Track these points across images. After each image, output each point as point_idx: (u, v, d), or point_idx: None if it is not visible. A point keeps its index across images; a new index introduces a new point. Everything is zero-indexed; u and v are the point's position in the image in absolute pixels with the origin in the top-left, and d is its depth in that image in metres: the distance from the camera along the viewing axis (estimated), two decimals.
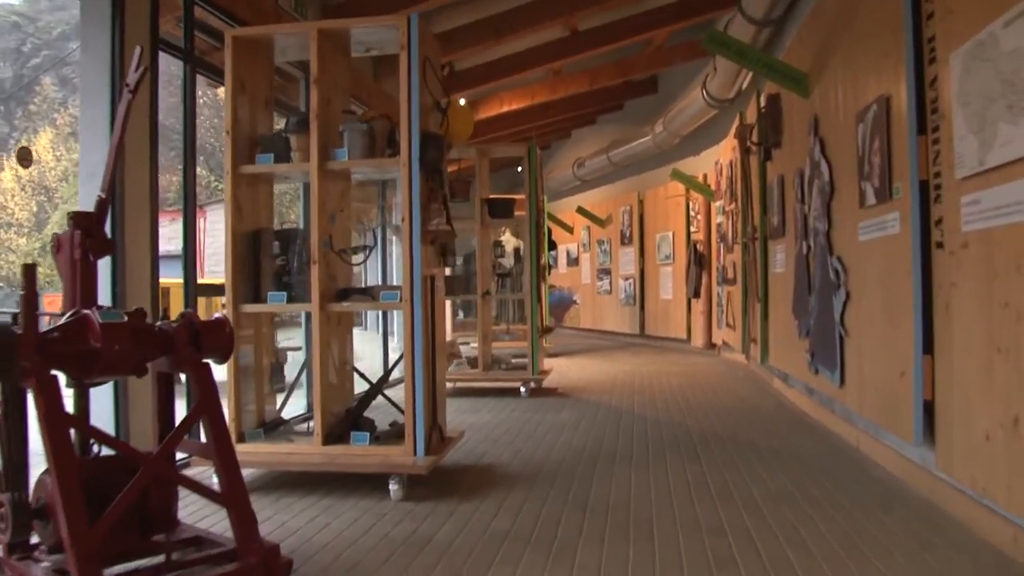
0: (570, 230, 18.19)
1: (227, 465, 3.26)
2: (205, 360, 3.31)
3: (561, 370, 10.88)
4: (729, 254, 10.47)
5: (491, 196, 8.90)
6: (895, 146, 4.26)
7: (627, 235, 15.37)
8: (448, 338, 10.66)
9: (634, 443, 5.88)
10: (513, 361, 9.00)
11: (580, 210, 16.75)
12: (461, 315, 14.12)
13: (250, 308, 4.86)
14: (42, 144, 38.57)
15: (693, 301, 12.98)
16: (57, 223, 32.47)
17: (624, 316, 15.64)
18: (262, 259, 4.97)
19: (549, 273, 13.37)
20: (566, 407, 7.66)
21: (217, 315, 3.62)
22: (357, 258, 5.38)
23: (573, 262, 18.32)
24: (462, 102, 12.37)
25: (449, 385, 9.01)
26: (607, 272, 16.35)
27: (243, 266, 4.91)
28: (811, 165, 6.02)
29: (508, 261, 9.67)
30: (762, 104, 7.98)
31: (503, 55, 10.85)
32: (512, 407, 7.75)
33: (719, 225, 11.67)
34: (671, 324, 13.87)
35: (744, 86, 10.01)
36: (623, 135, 14.91)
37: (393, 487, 4.45)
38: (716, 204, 11.83)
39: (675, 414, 7.09)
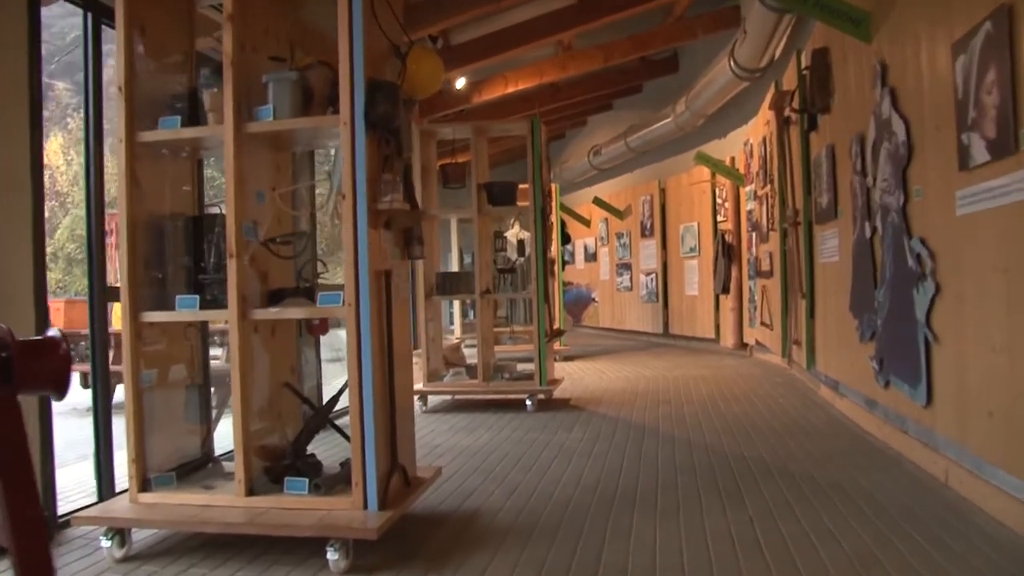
0: (587, 223, 16.96)
1: (28, 563, 2.07)
2: (16, 395, 2.13)
3: (576, 376, 9.66)
4: (763, 244, 9.21)
5: (490, 181, 7.69)
6: None
7: (648, 227, 14.11)
8: (452, 340, 9.49)
9: (659, 476, 4.65)
10: (519, 369, 7.80)
11: (597, 201, 15.50)
12: (472, 315, 12.96)
13: (153, 316, 3.68)
14: (52, 149, 37.78)
15: (722, 297, 11.71)
16: (68, 227, 31.68)
17: (646, 314, 14.38)
18: (174, 254, 3.81)
19: (563, 269, 12.13)
20: (578, 424, 6.44)
21: (51, 332, 2.45)
22: (305, 250, 4.21)
23: (591, 257, 17.07)
24: (461, 83, 11.24)
25: (446, 398, 7.82)
26: (627, 267, 15.10)
27: (147, 263, 3.75)
28: (876, 125, 4.78)
29: (513, 255, 8.42)
30: (804, 65, 6.73)
31: (505, 25, 9.64)
32: (515, 425, 6.54)
33: (750, 212, 10.40)
34: (697, 323, 12.61)
35: (778, 53, 8.75)
36: (642, 119, 13.65)
37: (333, 556, 3.24)
38: (746, 189, 10.57)
39: (708, 433, 5.86)
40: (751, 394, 7.60)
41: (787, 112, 7.22)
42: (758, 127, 9.54)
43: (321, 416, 3.89)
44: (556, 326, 11.93)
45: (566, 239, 13.04)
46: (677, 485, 4.46)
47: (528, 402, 7.18)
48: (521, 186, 7.77)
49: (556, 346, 11.47)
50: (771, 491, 4.23)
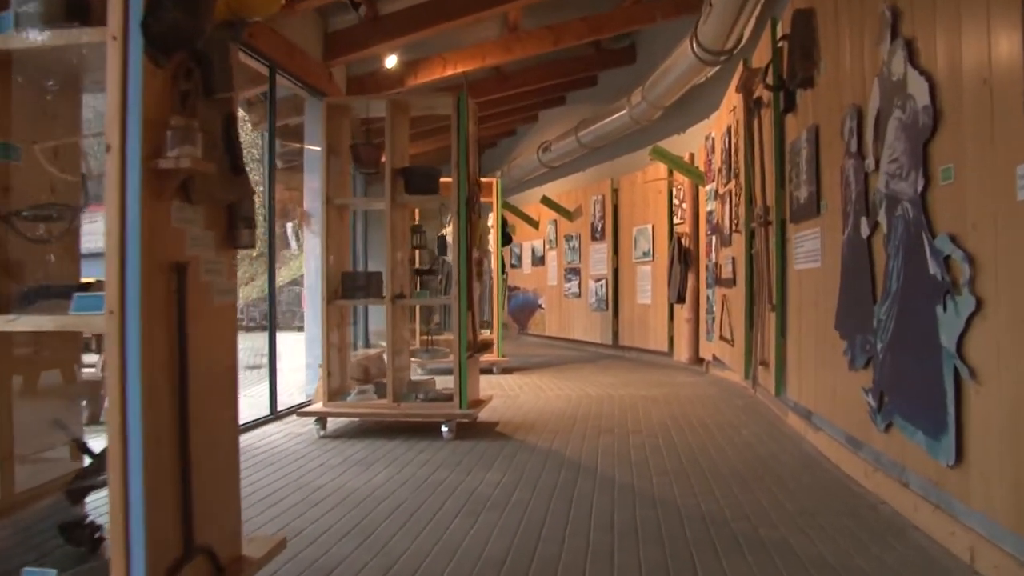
0: (535, 224, 15.80)
1: None
2: None
3: (511, 393, 8.47)
4: (725, 248, 8.11)
5: (409, 166, 6.50)
6: None
7: (599, 229, 12.99)
8: (363, 351, 8.24)
9: (590, 542, 3.48)
10: (440, 388, 6.60)
11: (545, 200, 14.33)
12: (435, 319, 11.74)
13: None
14: None
15: (676, 307, 10.62)
16: None
17: (595, 323, 13.24)
18: None
19: (504, 272, 10.95)
20: (500, 459, 5.26)
21: None
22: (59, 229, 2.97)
23: (538, 261, 15.91)
24: (391, 61, 10.01)
25: (353, 420, 6.58)
26: (575, 272, 13.96)
27: None
28: (883, 91, 3.66)
29: (430, 254, 7.18)
30: (780, 34, 5.64)
31: None
32: (424, 458, 5.34)
33: (710, 214, 9.32)
34: (650, 334, 11.50)
35: (747, 33, 7.67)
36: (595, 113, 12.52)
37: None
38: (706, 188, 9.48)
39: (657, 476, 4.71)
40: (709, 422, 6.47)
41: (758, 92, 6.12)
42: (721, 118, 8.46)
43: (98, 467, 2.66)
44: (483, 337, 10.78)
45: (507, 239, 11.87)
46: (612, 557, 3.29)
47: (444, 428, 5.98)
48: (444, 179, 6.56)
49: (493, 356, 10.30)
50: (736, 570, 3.08)
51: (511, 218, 16.39)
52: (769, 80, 5.66)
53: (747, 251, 6.80)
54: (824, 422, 5.04)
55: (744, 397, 7.74)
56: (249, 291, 30.32)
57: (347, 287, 6.37)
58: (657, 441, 5.74)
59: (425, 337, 9.21)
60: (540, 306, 15.74)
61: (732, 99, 7.43)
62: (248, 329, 22.71)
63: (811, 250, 5.01)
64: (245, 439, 6.01)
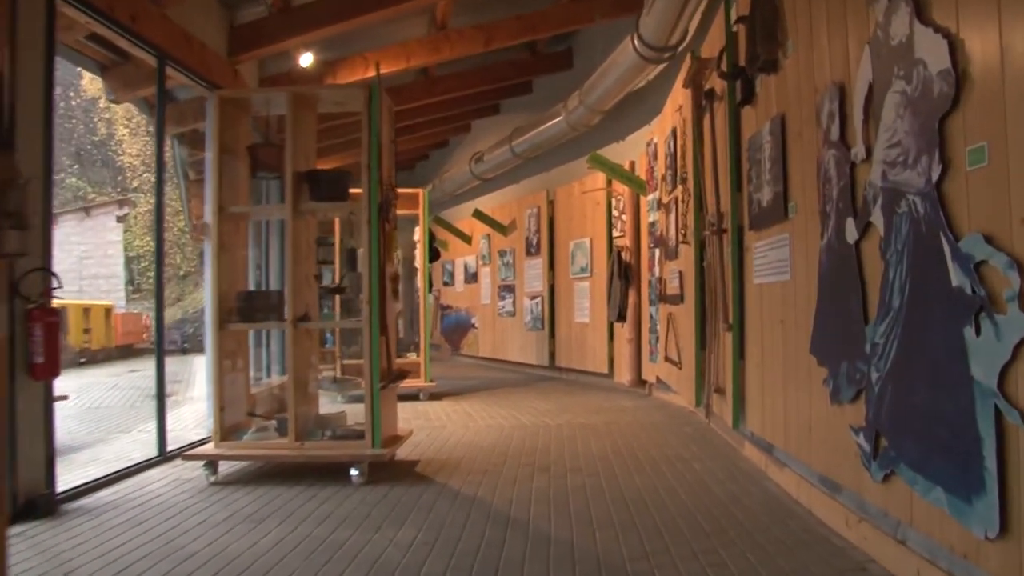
0: (468, 240, 15.01)
1: None
2: None
3: (437, 423, 7.63)
4: (670, 262, 7.41)
5: (313, 169, 5.66)
6: None
7: (534, 243, 12.23)
8: (278, 380, 7.32)
9: None
10: (351, 424, 5.74)
11: (477, 214, 13.54)
12: (330, 342, 10.80)
13: None
14: None
15: (617, 326, 9.90)
16: None
17: (530, 344, 12.47)
18: None
19: (429, 289, 10.13)
20: (417, 510, 4.42)
21: None
22: None
23: (471, 278, 15.10)
24: (307, 59, 9.15)
25: (247, 465, 5.65)
26: (510, 289, 13.17)
27: None
28: (878, 61, 2.95)
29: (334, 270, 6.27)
30: (734, 19, 4.95)
31: None
32: (326, 510, 4.46)
33: (653, 225, 8.63)
34: (588, 355, 10.75)
35: (692, 27, 7.01)
36: (530, 121, 11.78)
37: None
38: (648, 198, 8.80)
39: (601, 530, 3.92)
40: (656, 455, 5.72)
41: (709, 84, 5.43)
42: (665, 120, 7.78)
43: None
44: (408, 361, 9.93)
45: (435, 255, 11.04)
46: None
47: (354, 472, 5.12)
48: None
49: (421, 381, 9.45)
50: None
51: (443, 234, 15.60)
52: (724, 68, 4.96)
53: (697, 264, 6.10)
54: (792, 459, 4.31)
55: (692, 423, 7.02)
56: (175, 312, 29.01)
57: (243, 309, 5.49)
58: (599, 481, 4.96)
59: (331, 368, 8.25)
60: (473, 325, 14.93)
61: (678, 97, 6.74)
62: (169, 352, 21.48)
63: (776, 261, 4.29)
64: (120, 488, 5.08)
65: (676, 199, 6.91)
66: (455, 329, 15.99)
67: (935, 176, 2.53)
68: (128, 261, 31.23)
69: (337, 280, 5.78)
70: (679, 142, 6.70)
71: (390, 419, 5.72)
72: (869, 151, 3.06)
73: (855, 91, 3.16)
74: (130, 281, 31.75)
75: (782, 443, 4.34)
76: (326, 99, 5.84)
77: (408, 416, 8.05)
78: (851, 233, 3.22)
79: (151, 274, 32.19)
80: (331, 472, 5.29)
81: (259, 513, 4.42)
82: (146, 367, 16.51)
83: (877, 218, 2.97)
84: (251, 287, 6.46)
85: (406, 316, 16.18)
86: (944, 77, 2.47)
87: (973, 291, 2.32)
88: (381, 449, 5.26)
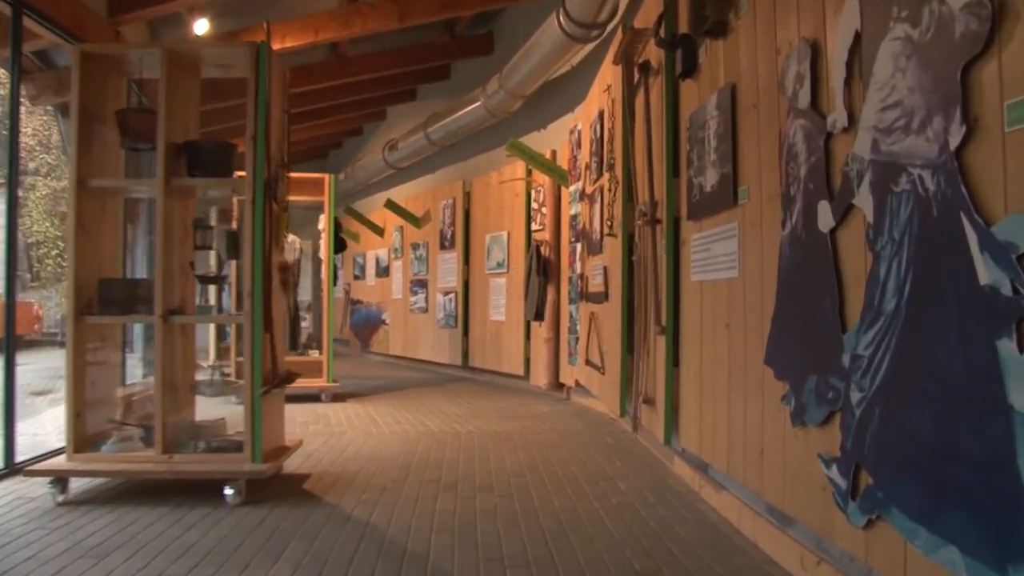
0: (380, 232, 14.21)
1: None
2: None
3: (336, 429, 6.86)
4: (593, 256, 6.79)
5: (192, 140, 4.86)
6: None
7: (448, 236, 11.52)
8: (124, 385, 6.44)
9: None
10: (232, 434, 4.96)
11: (389, 204, 12.75)
12: (228, 336, 9.90)
13: None
14: None
15: (534, 325, 9.28)
16: None
17: (443, 342, 11.75)
18: None
19: (334, 283, 9.33)
20: (297, 539, 3.68)
21: None
22: None
23: (383, 272, 14.29)
24: (202, 26, 8.23)
25: (106, 482, 4.81)
26: (422, 284, 12.43)
27: None
28: (868, 6, 2.35)
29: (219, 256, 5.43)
30: None
31: None
32: (189, 540, 3.68)
33: (574, 218, 8.01)
34: (504, 355, 10.09)
35: (623, 2, 6.41)
36: (447, 107, 11.06)
37: None
38: (570, 189, 8.18)
39: (518, 571, 3.26)
40: (576, 470, 5.08)
41: (644, 56, 4.81)
42: (591, 104, 7.16)
43: None
44: (308, 359, 9.13)
45: (342, 246, 10.24)
46: None
47: (228, 491, 4.35)
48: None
49: (323, 382, 8.67)
50: None
51: (355, 225, 14.78)
52: (663, 35, 4.34)
53: (624, 259, 5.49)
54: (733, 483, 3.72)
55: (614, 432, 6.42)
56: (59, 299, 27.45)
57: (104, 300, 4.66)
58: (512, 504, 4.30)
59: (213, 365, 7.33)
60: (384, 322, 14.14)
61: (607, 76, 6.13)
62: (56, 344, 20.09)
63: (722, 255, 3.68)
64: None
65: (602, 188, 6.30)
66: (365, 325, 15.17)
67: (954, 142, 1.93)
68: (27, 248, 29.49)
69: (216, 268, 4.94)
70: (606, 125, 6.08)
71: (276, 428, 4.96)
72: (852, 117, 2.46)
73: (835, 45, 2.55)
74: (28, 268, 30.00)
75: (723, 465, 3.74)
76: (208, 59, 5.01)
77: (305, 420, 7.27)
78: (825, 220, 2.62)
79: (50, 261, 30.53)
80: (204, 490, 4.50)
81: (106, 545, 3.62)
82: (33, 360, 15.27)
83: (864, 200, 2.37)
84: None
85: (314, 310, 15.28)
86: (973, 11, 1.87)
87: (1015, 291, 1.72)
88: (262, 464, 4.49)
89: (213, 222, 5.18)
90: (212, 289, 9.34)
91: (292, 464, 5.29)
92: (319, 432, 6.65)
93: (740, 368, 3.45)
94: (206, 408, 5.97)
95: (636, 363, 5.09)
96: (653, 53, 4.75)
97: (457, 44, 11.03)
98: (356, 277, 15.78)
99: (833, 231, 2.58)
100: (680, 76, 4.21)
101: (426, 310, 12.26)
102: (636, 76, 5.02)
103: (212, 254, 5.02)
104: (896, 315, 2.19)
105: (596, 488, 4.62)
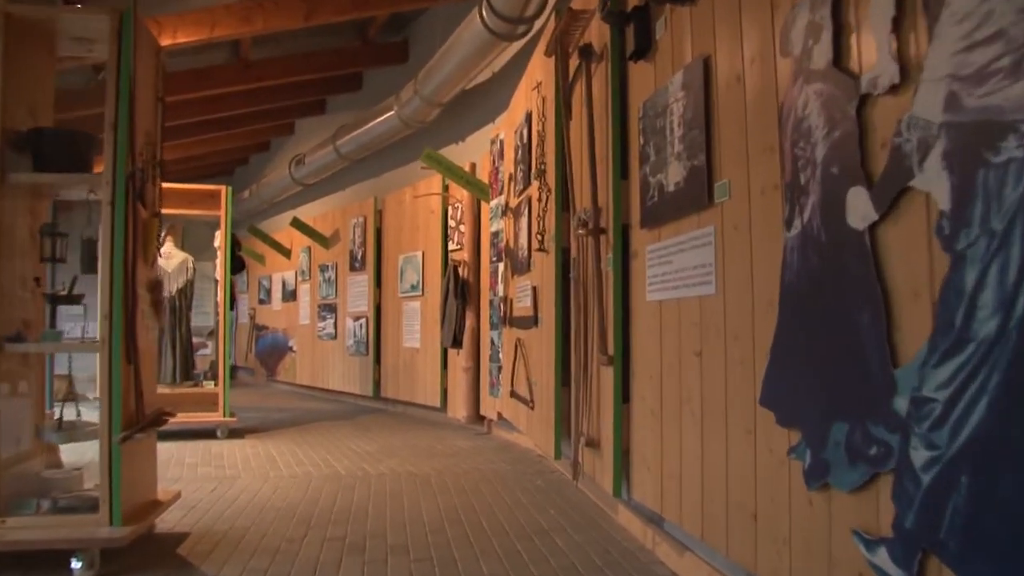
0: (287, 254, 13.24)
1: None
2: None
3: (229, 472, 5.91)
4: (519, 276, 6.04)
5: (40, 127, 3.95)
6: None
7: (359, 257, 10.64)
8: None
9: None
10: (88, 488, 4.02)
11: (296, 223, 11.82)
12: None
13: None
14: None
15: (451, 352, 8.48)
16: None
17: (353, 371, 10.83)
18: None
19: (231, 307, 8.37)
20: None
21: None
22: None
23: (290, 296, 13.29)
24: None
25: None
26: (331, 309, 11.50)
27: None
28: None
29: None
30: None
31: None
32: None
33: (496, 236, 7.28)
34: (419, 385, 9.24)
35: None
36: (358, 118, 10.22)
37: None
38: (492, 204, 7.45)
39: None
40: (506, 523, 4.30)
41: (586, 39, 4.11)
42: (516, 110, 6.45)
43: None
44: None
45: (239, 265, 9.27)
46: None
47: (76, 565, 3.43)
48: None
49: (218, 416, 7.70)
50: None
51: (260, 247, 13.78)
52: (609, 7, 3.64)
53: (558, 277, 4.76)
54: (707, 549, 3.00)
55: (544, 473, 5.66)
56: None
57: None
58: (431, 571, 3.50)
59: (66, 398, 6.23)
60: (291, 349, 13.14)
61: (535, 73, 5.42)
62: None
63: (690, 268, 2.97)
64: None
65: (529, 199, 5.57)
66: (271, 352, 14.12)
67: None
68: None
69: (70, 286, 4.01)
70: (535, 128, 5.37)
71: (145, 479, 4.05)
72: (906, 70, 1.77)
73: None
74: None
75: (696, 529, 2.99)
76: (65, 31, 4.11)
77: (195, 462, 6.31)
78: (861, 212, 1.92)
79: None
80: (46, 564, 3.57)
81: None
82: None
83: (932, 180, 1.67)
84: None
85: (217, 336, 14.15)
86: None
87: None
88: (122, 527, 3.58)
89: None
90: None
91: (169, 520, 4.37)
92: (208, 476, 5.72)
93: (718, 409, 2.73)
94: (79, 454, 5.00)
95: (577, 398, 4.34)
96: (596, 35, 4.06)
97: (369, 50, 10.22)
98: (262, 301, 14.73)
99: (874, 227, 1.88)
100: (631, 57, 3.51)
101: (335, 336, 11.33)
102: (575, 64, 4.31)
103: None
104: (1000, 342, 1.49)
105: (530, 547, 3.84)
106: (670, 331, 3.21)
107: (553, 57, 4.67)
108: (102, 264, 3.69)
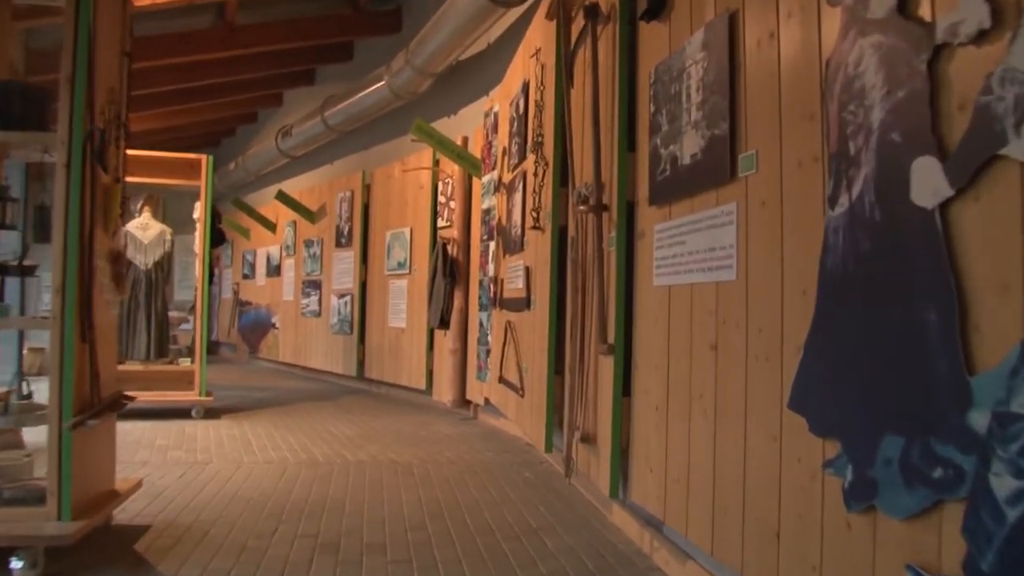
0: (272, 227, 12.86)
1: None
2: None
3: (200, 457, 5.57)
4: (512, 255, 5.71)
5: None
6: None
7: (345, 233, 10.27)
8: None
9: None
10: (38, 478, 3.69)
11: (281, 196, 11.41)
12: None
13: None
14: None
15: (438, 333, 8.16)
16: None
17: (336, 350, 10.49)
18: None
19: (210, 282, 8.01)
20: None
21: None
22: None
23: (274, 271, 12.92)
24: None
25: None
26: (316, 285, 11.14)
27: None
28: None
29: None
30: None
31: None
32: None
33: (487, 213, 6.94)
34: (404, 366, 8.92)
35: None
36: (348, 89, 9.83)
37: None
38: (484, 179, 7.10)
39: None
40: (492, 520, 3.98)
41: (589, 1, 3.76)
42: (512, 79, 6.09)
43: None
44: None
45: (219, 238, 8.90)
46: None
47: (15, 564, 3.11)
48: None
49: (194, 395, 7.36)
50: None
51: (245, 220, 13.41)
52: None
53: (554, 257, 4.43)
54: (705, 557, 2.70)
55: (532, 464, 5.35)
56: None
57: None
58: (409, 572, 3.19)
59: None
60: (274, 325, 12.79)
61: (535, 39, 5.07)
62: None
63: (706, 249, 2.65)
64: None
65: (524, 174, 5.23)
66: (254, 328, 13.76)
67: None
68: None
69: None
70: (532, 98, 5.02)
71: (101, 468, 3.71)
72: (999, 12, 1.45)
73: None
74: None
75: (704, 541, 2.68)
76: None
77: (167, 444, 5.98)
78: (930, 187, 1.59)
79: None
80: None
81: None
82: None
83: None
84: None
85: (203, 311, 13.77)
86: None
87: None
88: (71, 522, 3.26)
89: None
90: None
91: (132, 510, 4.04)
92: (179, 461, 5.39)
93: (735, 409, 2.42)
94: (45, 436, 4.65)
95: (571, 388, 4.02)
96: None
97: (360, 19, 9.82)
98: (245, 276, 14.35)
99: (946, 204, 1.56)
100: (643, 17, 3.17)
101: (319, 314, 10.98)
102: (579, 28, 3.96)
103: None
104: None
105: (517, 548, 3.53)
106: (680, 320, 2.89)
107: (555, 21, 4.32)
108: (55, 233, 3.34)
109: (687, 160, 2.78)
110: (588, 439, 3.73)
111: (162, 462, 5.30)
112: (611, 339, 3.43)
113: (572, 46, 4.06)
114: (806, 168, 2.08)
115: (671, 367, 2.96)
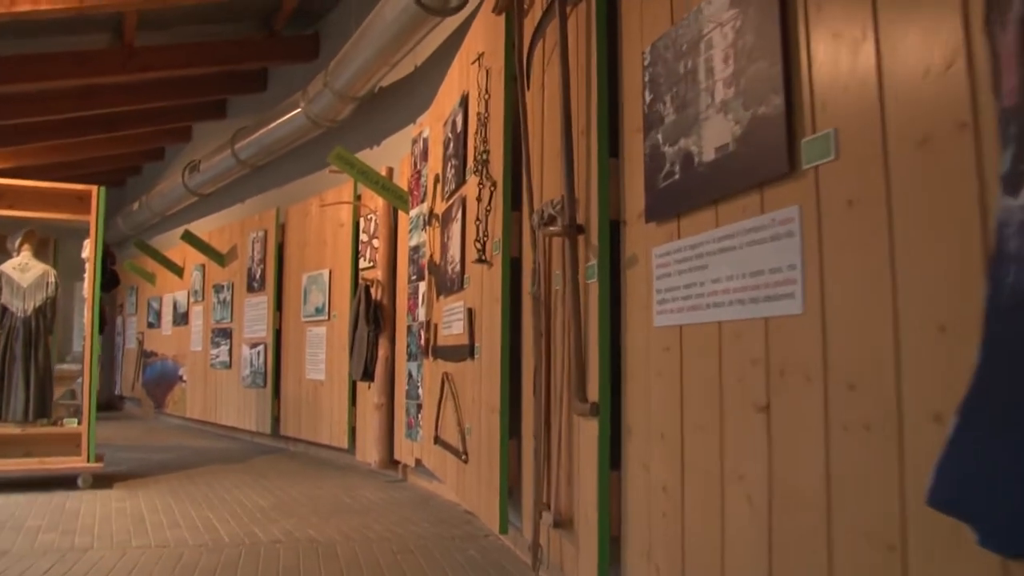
0: (179, 272, 11.79)
1: None
2: None
3: (80, 540, 4.52)
4: (447, 296, 4.91)
5: None
6: None
7: (257, 276, 9.32)
8: None
9: None
10: None
11: (188, 237, 10.38)
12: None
13: None
14: None
15: (361, 386, 7.27)
16: None
17: (249, 405, 9.44)
18: None
19: (101, 329, 6.96)
20: None
21: None
22: None
23: (181, 319, 11.81)
24: None
25: None
26: (226, 334, 10.11)
27: None
28: None
29: None
30: None
31: None
32: None
33: (416, 251, 6.14)
34: (323, 422, 7.97)
35: None
36: (260, 120, 8.95)
37: None
38: (412, 214, 6.31)
39: None
40: None
41: None
42: (445, 100, 5.34)
43: None
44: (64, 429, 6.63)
45: (112, 280, 7.88)
46: None
47: None
48: None
49: (81, 461, 6.33)
50: None
51: (150, 264, 12.33)
52: None
53: (505, 295, 3.66)
54: None
55: (476, 538, 4.51)
56: None
57: None
58: None
59: None
60: (181, 378, 11.66)
61: (476, 44, 4.33)
62: None
63: (747, 274, 1.91)
64: None
65: (463, 200, 4.46)
66: (159, 382, 12.59)
67: None
68: None
69: None
70: (475, 110, 4.28)
71: None
72: None
73: None
74: None
75: None
76: None
77: (39, 524, 4.93)
78: None
79: None
80: None
81: None
82: None
83: None
84: None
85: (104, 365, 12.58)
86: None
87: None
88: None
89: None
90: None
91: None
92: (49, 547, 4.37)
93: (812, 502, 1.66)
94: None
95: (537, 458, 3.20)
96: None
97: (275, 44, 8.97)
98: (151, 325, 13.17)
99: None
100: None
101: (229, 365, 9.93)
102: (538, 19, 3.24)
103: None
104: None
105: None
106: (701, 371, 2.13)
107: (502, 16, 3.59)
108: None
109: (711, 155, 2.05)
110: (564, 524, 2.93)
111: (27, 551, 4.29)
112: (592, 396, 2.66)
113: (531, 38, 3.34)
114: (941, 141, 1.36)
115: (686, 435, 2.20)
